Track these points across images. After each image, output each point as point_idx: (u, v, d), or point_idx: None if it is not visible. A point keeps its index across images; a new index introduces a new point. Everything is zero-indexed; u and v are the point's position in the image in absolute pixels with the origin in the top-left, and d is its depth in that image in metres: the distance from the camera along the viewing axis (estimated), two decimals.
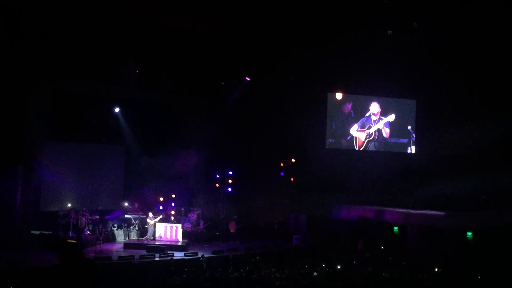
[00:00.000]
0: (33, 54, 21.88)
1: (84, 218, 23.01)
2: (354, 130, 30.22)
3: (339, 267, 17.62)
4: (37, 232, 22.98)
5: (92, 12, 20.83)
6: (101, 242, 21.98)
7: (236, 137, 28.80)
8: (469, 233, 23.53)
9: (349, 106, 30.26)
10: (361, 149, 30.21)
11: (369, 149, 30.34)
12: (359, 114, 30.34)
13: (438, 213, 24.34)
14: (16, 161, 21.55)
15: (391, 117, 30.24)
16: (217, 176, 27.80)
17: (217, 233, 26.53)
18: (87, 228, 23.28)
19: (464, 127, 27.73)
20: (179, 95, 28.45)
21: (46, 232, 23.36)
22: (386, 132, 30.38)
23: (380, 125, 30.26)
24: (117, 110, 26.42)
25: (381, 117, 30.25)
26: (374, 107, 30.30)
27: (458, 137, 27.82)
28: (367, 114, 30.24)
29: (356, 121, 30.24)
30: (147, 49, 23.77)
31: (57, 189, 25.11)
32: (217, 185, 27.86)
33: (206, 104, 29.84)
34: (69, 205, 24.25)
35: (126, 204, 25.86)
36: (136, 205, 25.83)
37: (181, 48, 24.20)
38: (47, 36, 21.21)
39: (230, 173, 27.63)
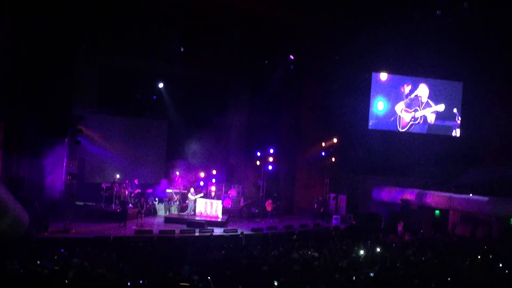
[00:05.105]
0: (81, 29, 22.22)
1: (126, 191, 23.45)
2: (399, 109, 29.74)
3: (378, 249, 17.46)
4: (81, 203, 23.53)
5: None
6: (143, 215, 22.31)
7: (278, 115, 28.81)
8: None
9: (406, 87, 29.84)
10: (404, 129, 29.78)
11: (412, 131, 29.90)
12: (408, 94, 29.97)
13: (482, 198, 23.79)
14: (63, 134, 22.03)
15: (441, 107, 29.67)
16: (258, 153, 27.76)
17: (256, 211, 26.67)
18: (129, 201, 23.72)
19: None
20: (223, 72, 28.45)
21: (90, 204, 23.92)
22: (431, 119, 29.89)
23: (427, 112, 29.76)
24: (161, 85, 26.63)
25: (429, 101, 29.68)
26: (422, 89, 29.76)
27: (505, 121, 27.05)
28: (413, 95, 29.74)
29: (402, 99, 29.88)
30: (193, 26, 23.78)
31: (101, 162, 25.67)
32: (258, 162, 27.85)
33: (249, 82, 29.77)
34: (113, 177, 24.72)
35: (177, 172, 26.30)
36: (180, 180, 26.16)
37: (227, 25, 24.15)
38: (95, 11, 21.44)
39: (271, 151, 27.50)
